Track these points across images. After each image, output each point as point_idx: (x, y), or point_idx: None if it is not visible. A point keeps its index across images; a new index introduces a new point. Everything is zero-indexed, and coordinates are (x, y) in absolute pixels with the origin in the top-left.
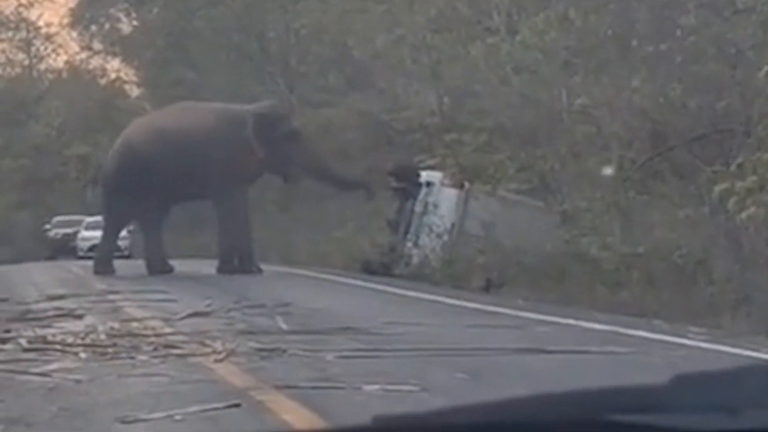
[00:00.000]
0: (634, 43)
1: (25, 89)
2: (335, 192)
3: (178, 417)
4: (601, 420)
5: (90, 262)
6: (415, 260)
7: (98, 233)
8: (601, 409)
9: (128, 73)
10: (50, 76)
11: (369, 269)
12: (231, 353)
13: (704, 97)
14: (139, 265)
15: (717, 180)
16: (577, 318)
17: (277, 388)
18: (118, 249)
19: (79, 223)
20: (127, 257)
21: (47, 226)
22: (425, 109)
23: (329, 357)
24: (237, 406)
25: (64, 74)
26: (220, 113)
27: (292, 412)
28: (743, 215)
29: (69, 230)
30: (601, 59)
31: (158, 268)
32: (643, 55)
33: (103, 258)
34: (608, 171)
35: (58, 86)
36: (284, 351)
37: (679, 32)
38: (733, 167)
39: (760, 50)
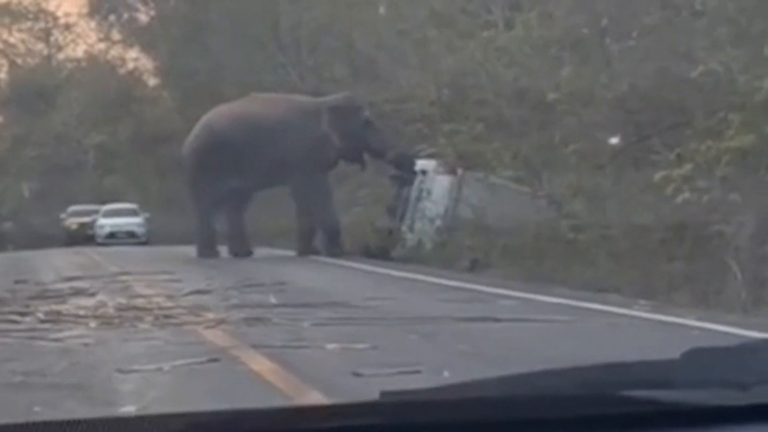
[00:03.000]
0: (608, 40)
1: (45, 79)
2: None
3: (165, 368)
4: (611, 395)
5: (109, 249)
6: (410, 243)
7: (116, 220)
8: (610, 384)
9: (146, 63)
10: (69, 65)
11: (368, 252)
12: (221, 322)
13: (666, 91)
14: (157, 251)
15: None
16: (541, 293)
17: (254, 347)
18: (133, 235)
19: (94, 212)
20: (144, 243)
21: (63, 216)
22: (426, 100)
23: (305, 324)
24: (216, 360)
25: (83, 64)
26: (298, 105)
27: (261, 364)
28: (679, 199)
29: (85, 219)
30: (582, 54)
31: (241, 251)
32: (613, 51)
33: (204, 242)
34: (614, 140)
35: (77, 76)
36: (268, 320)
37: (635, 33)
38: (672, 156)
39: (711, 50)
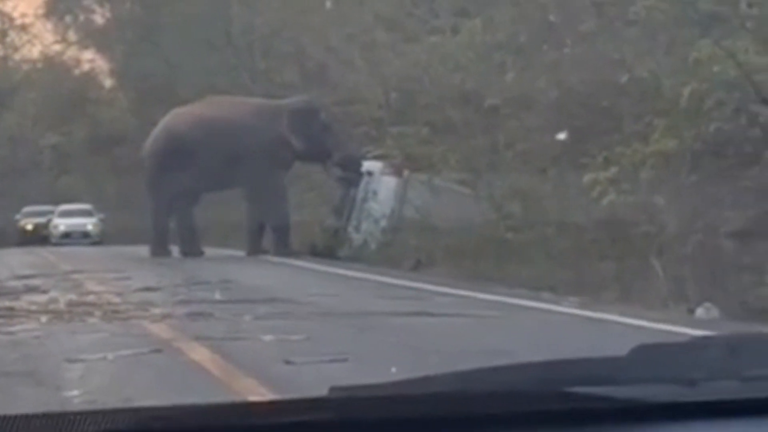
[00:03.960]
0: (545, 47)
1: (1, 80)
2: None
3: (110, 357)
4: (562, 391)
5: (63, 248)
6: (356, 243)
7: (71, 221)
8: (561, 380)
9: (102, 65)
10: (25, 67)
11: (315, 252)
12: (166, 316)
13: (599, 96)
14: (110, 250)
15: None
16: (479, 291)
17: (196, 339)
18: (87, 235)
19: (49, 213)
20: (98, 243)
21: (17, 217)
22: (374, 103)
23: (246, 318)
24: (159, 351)
25: (39, 65)
26: (256, 107)
27: (201, 354)
28: (604, 201)
29: (39, 219)
30: (523, 60)
31: (192, 251)
32: (551, 58)
33: (157, 242)
34: (562, 136)
35: (33, 77)
36: (211, 315)
37: (570, 41)
38: (600, 159)
39: (641, 57)
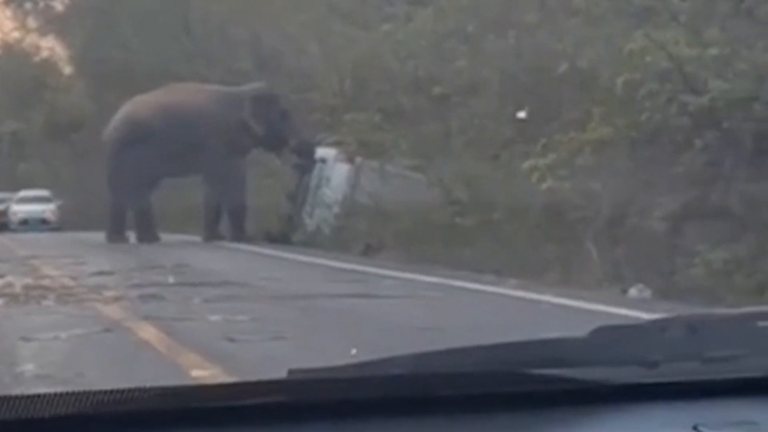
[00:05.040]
0: (491, 36)
1: None
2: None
3: (63, 336)
4: (521, 373)
5: (20, 235)
6: (310, 229)
7: (29, 207)
8: (521, 362)
9: (61, 52)
10: None
11: (270, 237)
12: (119, 299)
13: (541, 86)
14: (68, 237)
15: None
16: (424, 273)
17: (145, 319)
18: (46, 221)
19: (7, 200)
20: (57, 229)
21: None
22: (328, 91)
23: (196, 300)
24: (109, 330)
25: None
26: (215, 94)
27: (149, 333)
28: (543, 187)
29: None
30: (470, 49)
31: (148, 237)
32: (496, 48)
33: (114, 228)
34: (521, 115)
35: None
36: (162, 297)
37: (514, 31)
38: (538, 147)
39: (581, 47)
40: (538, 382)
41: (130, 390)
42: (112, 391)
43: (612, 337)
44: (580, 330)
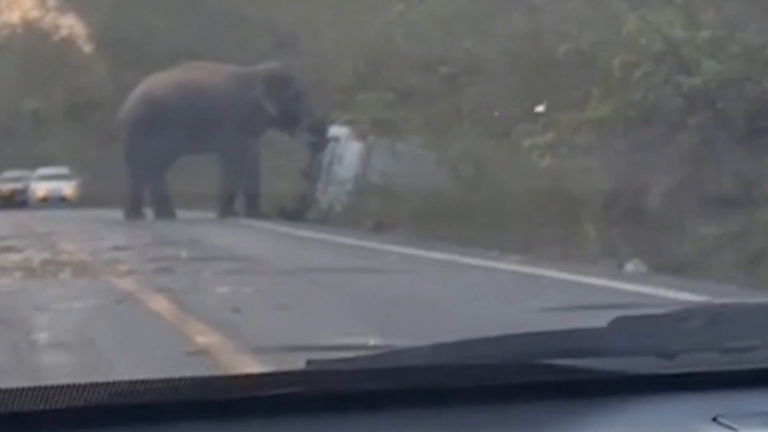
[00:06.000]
0: (498, 18)
1: None
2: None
3: (76, 307)
4: (540, 363)
5: (40, 212)
6: (323, 206)
7: (49, 185)
8: (539, 353)
9: (80, 30)
10: (4, 32)
11: (284, 215)
12: (132, 272)
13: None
14: (87, 214)
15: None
16: (429, 250)
17: (156, 291)
18: (65, 199)
19: (27, 178)
20: (76, 207)
21: None
22: (342, 71)
23: (206, 274)
24: (121, 301)
25: (18, 30)
26: (231, 73)
27: (159, 304)
28: (543, 164)
29: (17, 185)
30: (479, 30)
31: (164, 214)
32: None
33: (131, 205)
34: (540, 108)
35: (12, 42)
36: (173, 270)
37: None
38: (538, 126)
39: (583, 29)
40: (557, 372)
41: (146, 381)
42: (128, 382)
43: (631, 328)
44: (574, 301)
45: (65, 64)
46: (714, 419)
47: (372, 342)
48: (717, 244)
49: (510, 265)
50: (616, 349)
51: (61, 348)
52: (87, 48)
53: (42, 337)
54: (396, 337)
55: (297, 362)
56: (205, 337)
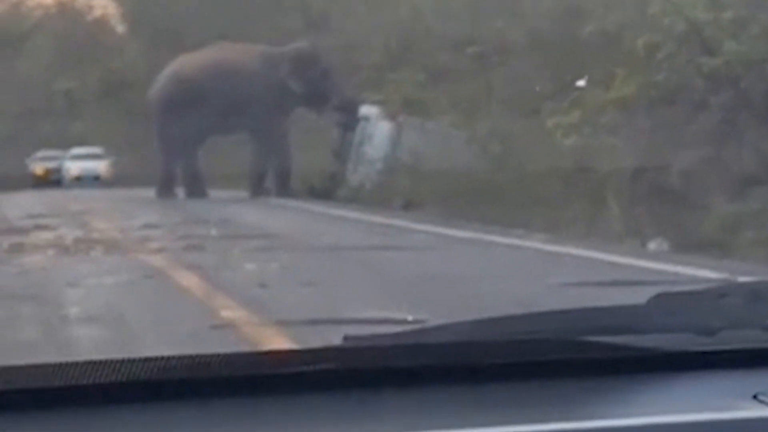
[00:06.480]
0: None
1: (13, 26)
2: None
3: (107, 282)
4: (579, 340)
5: (73, 191)
6: (352, 185)
7: (82, 164)
8: (578, 330)
9: (114, 10)
10: (38, 12)
11: (314, 193)
12: (162, 250)
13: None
14: (120, 193)
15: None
16: (456, 228)
17: (186, 267)
18: (98, 178)
19: (59, 157)
20: (109, 186)
21: (28, 161)
22: (374, 50)
23: (235, 251)
24: (150, 277)
25: (52, 11)
26: (261, 54)
27: (188, 279)
28: (567, 143)
29: (50, 164)
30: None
31: (196, 193)
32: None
33: (163, 184)
34: (581, 83)
35: (46, 22)
36: (203, 248)
37: None
38: (563, 105)
39: (609, 9)
40: (596, 349)
41: (179, 357)
42: (161, 358)
43: (670, 304)
44: (593, 277)
45: (98, 44)
46: (754, 397)
47: (394, 316)
48: (739, 222)
49: (534, 243)
50: (655, 326)
51: (91, 322)
52: (120, 28)
53: (73, 311)
54: (421, 313)
55: (320, 335)
56: (231, 312)
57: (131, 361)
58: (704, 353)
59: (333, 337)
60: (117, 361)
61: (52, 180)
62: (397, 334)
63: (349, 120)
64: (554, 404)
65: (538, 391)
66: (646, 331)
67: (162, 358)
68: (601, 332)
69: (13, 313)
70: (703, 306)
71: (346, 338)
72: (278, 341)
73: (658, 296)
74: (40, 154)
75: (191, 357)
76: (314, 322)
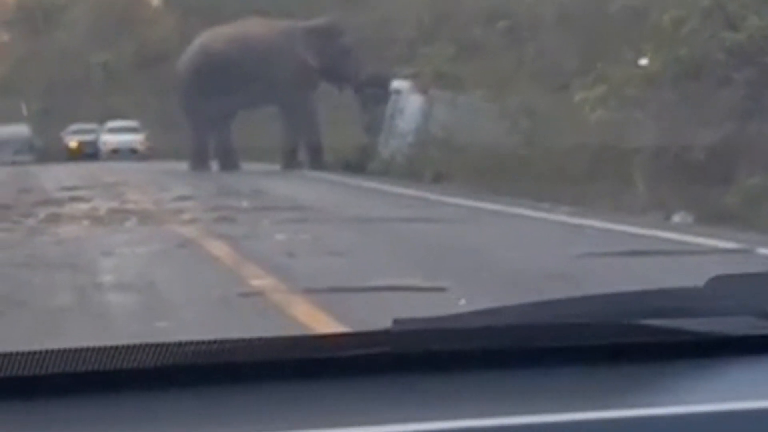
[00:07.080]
0: None
1: None
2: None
3: (139, 251)
4: (632, 324)
5: (109, 163)
6: (384, 158)
7: (118, 137)
8: (632, 313)
9: None
10: None
11: (346, 166)
12: (194, 221)
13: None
14: (155, 166)
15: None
16: (485, 201)
17: (217, 237)
18: (135, 151)
19: (93, 131)
20: (145, 159)
21: (63, 134)
22: (407, 24)
23: (265, 222)
24: (183, 246)
25: None
26: (285, 29)
27: (219, 249)
28: (593, 117)
29: (85, 137)
30: None
31: (229, 166)
32: None
33: (196, 156)
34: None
35: None
36: (235, 219)
37: None
38: (590, 80)
39: None
40: (650, 333)
41: (225, 341)
42: (206, 342)
43: (727, 287)
44: (617, 248)
45: (134, 17)
46: None
47: (413, 283)
48: (761, 195)
49: (559, 216)
50: (712, 309)
51: (125, 288)
52: (156, 1)
53: (107, 279)
54: (446, 282)
55: (344, 303)
56: (259, 280)
57: (178, 345)
58: (762, 337)
59: (357, 305)
60: (156, 345)
61: (86, 153)
62: (445, 318)
63: (379, 93)
64: (606, 390)
65: (589, 376)
66: (703, 314)
67: (207, 342)
68: (656, 315)
69: (49, 280)
70: (762, 289)
71: (396, 321)
72: (303, 308)
73: (715, 278)
74: (74, 127)
75: (236, 341)
76: (338, 290)
